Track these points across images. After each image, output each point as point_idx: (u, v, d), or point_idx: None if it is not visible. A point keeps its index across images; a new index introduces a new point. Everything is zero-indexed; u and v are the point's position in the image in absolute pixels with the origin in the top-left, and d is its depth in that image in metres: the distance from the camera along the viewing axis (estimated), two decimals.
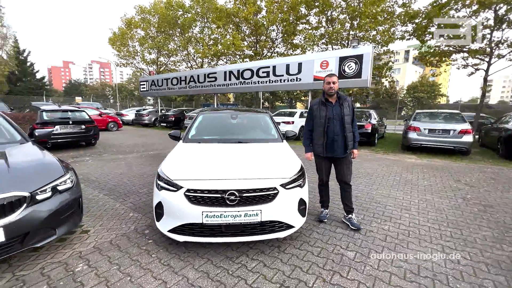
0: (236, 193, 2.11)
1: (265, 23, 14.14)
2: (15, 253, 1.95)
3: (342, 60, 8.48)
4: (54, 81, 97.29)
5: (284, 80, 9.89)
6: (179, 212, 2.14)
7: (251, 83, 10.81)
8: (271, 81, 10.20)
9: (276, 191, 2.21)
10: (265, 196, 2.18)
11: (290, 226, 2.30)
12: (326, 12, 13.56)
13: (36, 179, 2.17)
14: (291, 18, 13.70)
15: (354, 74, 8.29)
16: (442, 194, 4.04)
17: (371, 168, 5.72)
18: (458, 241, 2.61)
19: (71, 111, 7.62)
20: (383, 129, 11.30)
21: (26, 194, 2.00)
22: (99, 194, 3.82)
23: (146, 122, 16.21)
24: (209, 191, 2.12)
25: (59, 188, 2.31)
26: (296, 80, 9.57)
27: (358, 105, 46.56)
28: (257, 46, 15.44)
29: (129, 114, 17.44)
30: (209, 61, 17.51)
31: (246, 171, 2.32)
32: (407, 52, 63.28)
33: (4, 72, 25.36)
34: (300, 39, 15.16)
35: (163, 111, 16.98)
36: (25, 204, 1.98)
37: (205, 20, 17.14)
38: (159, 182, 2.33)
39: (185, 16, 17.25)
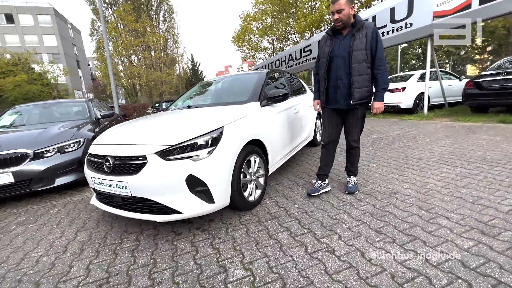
0: (110, 160, 1.83)
1: None
2: (24, 192, 2.79)
3: None
4: None
5: (387, 32, 7.19)
6: (86, 175, 2.16)
7: None
8: None
9: (144, 161, 1.70)
10: (134, 165, 1.74)
11: (175, 211, 1.72)
12: None
13: (45, 142, 2.96)
14: None
15: None
16: None
17: None
18: None
19: None
20: None
21: (29, 151, 2.79)
22: None
23: None
24: (94, 156, 2.00)
25: (66, 150, 3.04)
26: (405, 28, 6.67)
27: None
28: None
29: None
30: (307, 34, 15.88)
31: (131, 136, 1.95)
32: None
33: (184, 79, 36.55)
34: None
35: None
36: (28, 159, 2.78)
37: None
38: None
39: None
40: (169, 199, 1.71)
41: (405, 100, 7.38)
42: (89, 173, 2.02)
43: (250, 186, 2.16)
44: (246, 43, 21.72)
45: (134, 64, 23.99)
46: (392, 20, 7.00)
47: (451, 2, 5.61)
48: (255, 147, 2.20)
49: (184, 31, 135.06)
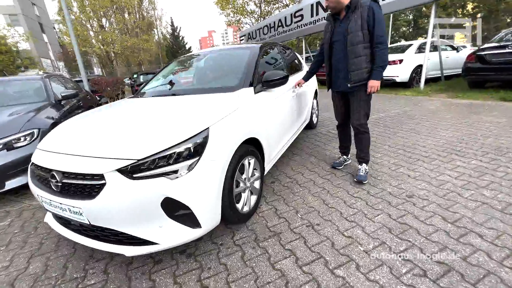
0: (57, 177, 1.36)
1: None
2: None
3: None
4: (203, 48, 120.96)
5: None
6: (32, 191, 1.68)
7: None
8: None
9: (103, 182, 1.25)
10: (88, 186, 1.29)
11: (148, 242, 1.33)
12: None
13: None
14: None
15: None
16: None
17: None
18: None
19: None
20: None
21: None
22: None
23: None
24: (37, 167, 1.51)
25: (15, 145, 2.48)
26: None
27: None
28: None
29: None
30: None
31: (85, 143, 1.46)
32: None
33: (164, 45, 33.78)
34: None
35: None
36: None
37: None
38: None
39: None
40: (140, 229, 1.30)
41: (402, 73, 6.98)
42: (34, 189, 1.54)
43: (244, 195, 1.79)
44: (230, 6, 19.72)
45: (106, 28, 21.50)
46: None
47: None
48: (250, 146, 1.79)
49: None
